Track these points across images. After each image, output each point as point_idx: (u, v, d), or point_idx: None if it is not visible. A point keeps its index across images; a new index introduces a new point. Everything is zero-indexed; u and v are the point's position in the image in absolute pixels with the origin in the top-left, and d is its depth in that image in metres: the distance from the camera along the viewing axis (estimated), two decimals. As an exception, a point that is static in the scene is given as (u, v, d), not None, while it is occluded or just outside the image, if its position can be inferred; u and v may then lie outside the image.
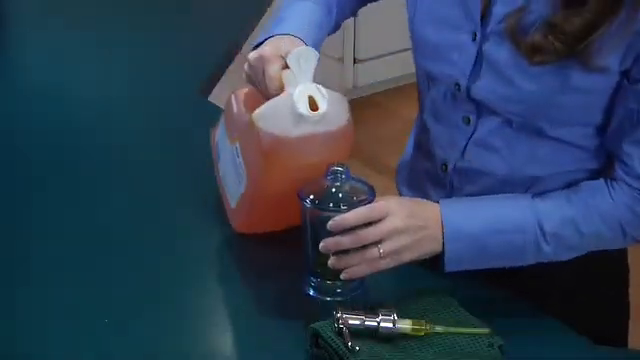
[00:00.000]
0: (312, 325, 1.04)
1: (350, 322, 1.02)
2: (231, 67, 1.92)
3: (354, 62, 3.73)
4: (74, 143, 1.54)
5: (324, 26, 1.25)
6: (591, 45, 0.99)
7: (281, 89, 1.09)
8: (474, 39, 1.09)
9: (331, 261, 1.07)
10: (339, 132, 1.09)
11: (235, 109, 1.17)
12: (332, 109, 1.07)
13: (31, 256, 1.24)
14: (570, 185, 1.13)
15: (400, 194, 1.37)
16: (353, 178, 1.08)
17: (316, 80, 1.09)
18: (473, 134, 1.15)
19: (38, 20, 2.16)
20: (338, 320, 1.01)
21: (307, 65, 1.08)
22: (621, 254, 1.26)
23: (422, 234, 1.08)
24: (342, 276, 1.07)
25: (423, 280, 1.15)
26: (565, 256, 1.11)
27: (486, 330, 1.05)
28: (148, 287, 1.18)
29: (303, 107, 1.05)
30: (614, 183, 1.09)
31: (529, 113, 1.09)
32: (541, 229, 1.09)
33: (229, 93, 1.22)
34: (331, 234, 1.05)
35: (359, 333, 1.02)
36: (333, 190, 1.07)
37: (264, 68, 1.10)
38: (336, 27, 1.30)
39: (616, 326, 1.30)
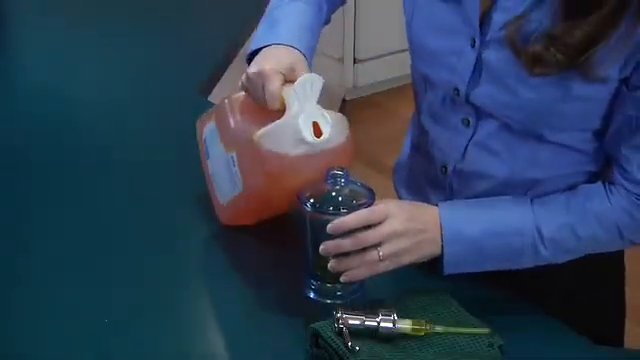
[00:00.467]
0: (312, 325, 1.04)
1: (350, 322, 1.02)
2: (231, 67, 1.92)
3: (354, 62, 3.73)
4: (74, 143, 1.54)
5: (316, 27, 1.24)
6: (592, 57, 0.99)
7: (282, 106, 1.09)
8: (473, 45, 1.09)
9: (331, 264, 1.07)
10: (339, 148, 1.11)
11: (231, 120, 1.16)
12: (333, 130, 1.10)
13: (31, 256, 1.23)
14: (569, 188, 1.13)
15: (398, 195, 1.37)
16: (353, 182, 1.09)
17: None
18: (473, 136, 1.15)
19: (38, 20, 2.16)
20: (338, 320, 1.02)
21: (312, 91, 1.10)
22: (620, 254, 1.26)
23: (421, 237, 1.08)
24: (342, 279, 1.08)
25: (423, 280, 1.15)
26: (562, 259, 1.12)
27: (486, 330, 1.05)
28: (148, 287, 1.18)
29: (308, 134, 1.08)
30: (612, 187, 1.10)
31: (529, 120, 1.09)
32: (539, 233, 1.09)
33: (223, 97, 1.22)
34: (331, 237, 1.05)
35: (359, 333, 1.02)
36: (333, 194, 1.08)
37: (264, 84, 1.10)
38: (327, 22, 1.30)
39: (615, 326, 1.31)
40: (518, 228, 1.10)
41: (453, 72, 1.12)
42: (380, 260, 1.06)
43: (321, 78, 1.11)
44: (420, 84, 1.23)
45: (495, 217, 1.11)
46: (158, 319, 1.12)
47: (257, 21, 1.25)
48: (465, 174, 1.19)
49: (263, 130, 1.09)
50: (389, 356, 1.00)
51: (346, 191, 1.08)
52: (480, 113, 1.13)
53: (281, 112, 1.10)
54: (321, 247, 1.06)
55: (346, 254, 1.06)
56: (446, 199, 1.22)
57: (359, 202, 1.07)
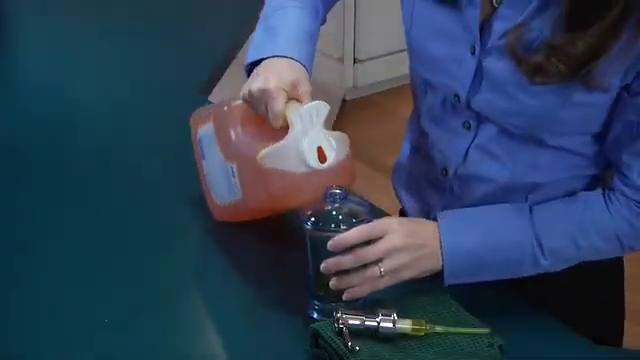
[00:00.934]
0: (312, 325, 1.04)
1: (350, 322, 1.02)
2: (231, 67, 1.92)
3: (354, 62, 3.72)
4: (74, 143, 1.54)
5: (314, 32, 1.23)
6: (594, 68, 0.99)
7: (285, 124, 1.10)
8: (473, 52, 1.09)
9: (333, 282, 1.07)
10: (340, 165, 1.12)
11: (232, 132, 1.16)
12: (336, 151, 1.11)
13: (31, 256, 1.24)
14: (570, 191, 1.13)
15: (398, 197, 1.37)
16: (352, 199, 1.09)
17: (315, 81, 1.10)
18: (474, 139, 1.15)
19: (38, 20, 2.16)
20: (338, 320, 1.02)
21: (318, 118, 1.10)
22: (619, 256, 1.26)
23: (421, 252, 1.08)
24: (344, 297, 1.07)
25: (423, 280, 1.15)
26: (562, 267, 1.12)
27: (486, 330, 1.05)
28: (148, 287, 1.18)
29: (312, 160, 1.09)
30: (612, 195, 1.10)
31: (529, 125, 1.09)
32: (539, 244, 1.09)
33: (221, 101, 1.22)
34: (332, 255, 1.05)
35: (359, 333, 1.02)
36: (333, 212, 1.08)
37: (267, 102, 1.10)
38: (323, 22, 1.29)
39: (615, 326, 1.30)
40: (518, 241, 1.10)
41: (453, 79, 1.12)
42: (381, 276, 1.06)
43: (327, 105, 1.11)
44: (420, 87, 1.23)
45: (494, 230, 1.11)
46: (158, 319, 1.12)
47: (257, 21, 1.25)
48: (466, 177, 1.19)
49: (266, 150, 1.09)
50: (389, 356, 1.00)
51: (345, 209, 1.08)
52: (481, 117, 1.13)
53: (284, 129, 1.10)
54: (322, 265, 1.06)
55: (347, 272, 1.06)
56: (446, 201, 1.22)
57: (359, 219, 1.07)
